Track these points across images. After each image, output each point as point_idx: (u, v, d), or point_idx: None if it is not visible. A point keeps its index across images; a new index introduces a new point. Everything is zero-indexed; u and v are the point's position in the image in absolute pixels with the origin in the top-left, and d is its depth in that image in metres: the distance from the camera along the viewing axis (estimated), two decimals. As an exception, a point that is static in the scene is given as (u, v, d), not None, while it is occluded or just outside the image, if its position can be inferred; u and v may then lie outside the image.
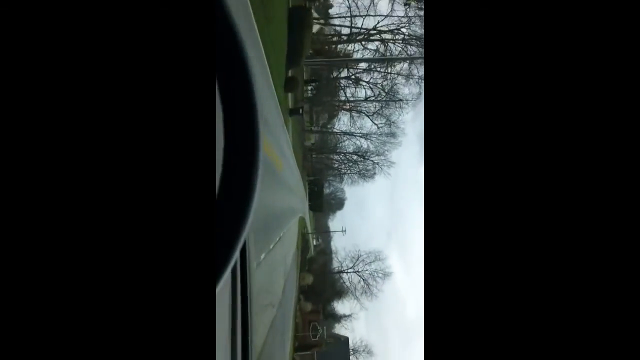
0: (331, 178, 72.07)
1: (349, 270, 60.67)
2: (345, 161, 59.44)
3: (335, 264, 68.60)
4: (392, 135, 49.62)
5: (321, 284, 51.96)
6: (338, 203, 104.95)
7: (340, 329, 60.79)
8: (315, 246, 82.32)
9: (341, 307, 62.92)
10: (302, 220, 44.25)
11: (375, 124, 48.11)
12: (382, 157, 53.38)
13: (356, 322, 57.30)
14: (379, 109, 46.32)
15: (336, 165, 63.47)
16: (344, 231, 64.25)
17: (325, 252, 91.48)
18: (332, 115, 52.94)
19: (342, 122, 52.88)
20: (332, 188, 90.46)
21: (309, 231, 70.13)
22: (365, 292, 57.39)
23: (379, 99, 43.65)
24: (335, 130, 55.60)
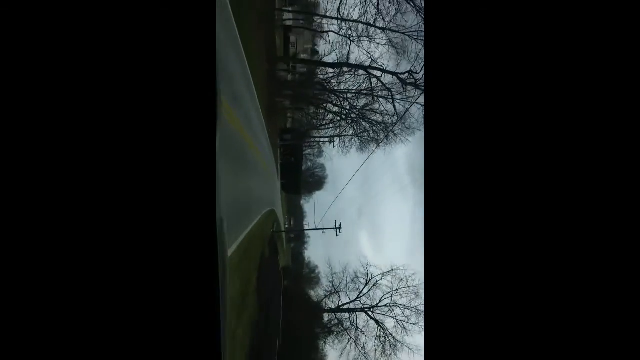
0: (319, 141, 44.83)
1: (351, 306, 33.94)
2: (348, 109, 32.20)
3: (321, 279, 42.06)
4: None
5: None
6: (316, 182, 79.57)
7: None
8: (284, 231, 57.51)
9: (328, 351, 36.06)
10: (270, 215, 25.94)
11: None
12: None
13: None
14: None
15: (330, 117, 36.09)
16: (339, 228, 37.62)
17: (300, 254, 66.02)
18: None
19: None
20: (308, 163, 64.18)
21: (281, 228, 43.78)
22: (385, 350, 30.93)
23: None
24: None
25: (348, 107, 31.98)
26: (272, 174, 34.62)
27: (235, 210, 10.13)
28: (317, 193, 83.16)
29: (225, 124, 8.37)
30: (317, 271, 63.92)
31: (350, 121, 33.52)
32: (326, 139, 43.03)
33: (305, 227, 76.90)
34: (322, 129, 41.82)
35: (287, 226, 66.43)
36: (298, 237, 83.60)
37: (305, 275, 59.84)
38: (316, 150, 59.13)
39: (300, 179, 51.28)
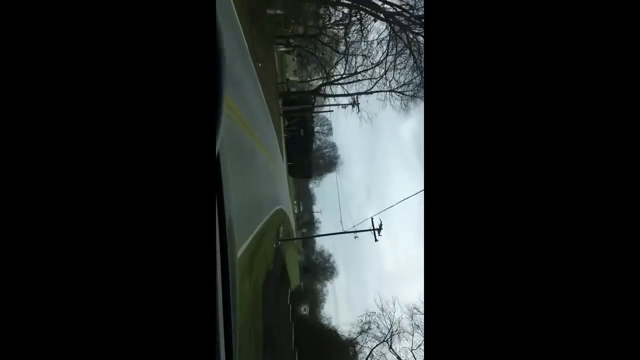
0: (336, 103, 31.11)
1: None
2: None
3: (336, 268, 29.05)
4: None
5: None
6: (328, 164, 66.60)
7: None
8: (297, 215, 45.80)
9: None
10: (273, 222, 18.30)
11: None
12: None
13: None
14: None
15: (358, 61, 22.66)
16: (378, 229, 24.95)
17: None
18: None
19: None
20: (317, 142, 51.03)
21: (291, 231, 30.85)
22: None
23: None
24: None
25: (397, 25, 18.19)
26: (275, 156, 22.39)
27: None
28: (328, 175, 70.58)
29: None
30: (331, 260, 53.60)
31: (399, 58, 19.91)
32: (347, 101, 29.50)
33: (316, 212, 64.22)
34: (342, 83, 28.22)
35: (296, 212, 54.13)
36: (308, 222, 71.55)
37: (319, 264, 49.82)
38: (327, 126, 45.88)
39: (311, 159, 38.35)
